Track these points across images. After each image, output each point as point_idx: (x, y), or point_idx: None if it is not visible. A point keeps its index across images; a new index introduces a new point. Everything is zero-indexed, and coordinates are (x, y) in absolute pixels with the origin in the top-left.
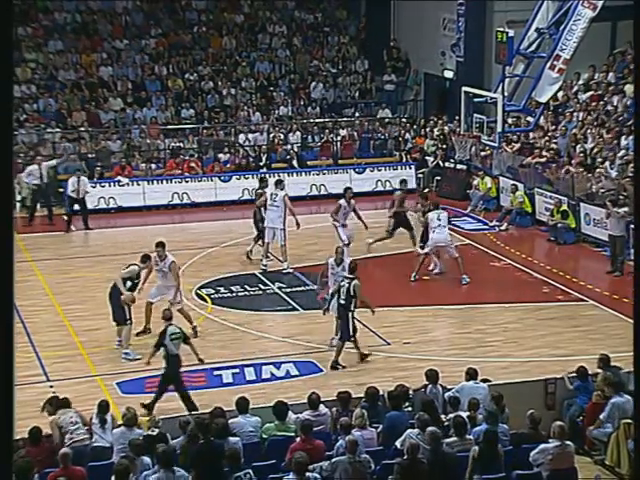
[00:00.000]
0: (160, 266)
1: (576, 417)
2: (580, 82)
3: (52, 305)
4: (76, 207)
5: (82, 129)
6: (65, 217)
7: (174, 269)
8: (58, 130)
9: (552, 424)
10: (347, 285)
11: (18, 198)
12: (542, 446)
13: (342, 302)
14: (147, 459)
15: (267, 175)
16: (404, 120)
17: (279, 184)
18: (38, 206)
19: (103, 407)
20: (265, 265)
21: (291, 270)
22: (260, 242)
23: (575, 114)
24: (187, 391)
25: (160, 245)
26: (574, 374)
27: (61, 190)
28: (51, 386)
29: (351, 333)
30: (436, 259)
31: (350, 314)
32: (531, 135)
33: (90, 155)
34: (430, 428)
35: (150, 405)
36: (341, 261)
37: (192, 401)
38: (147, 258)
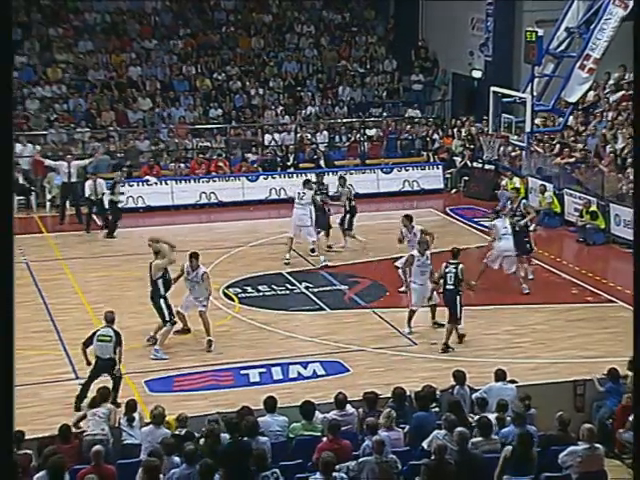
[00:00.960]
0: (192, 276)
1: (606, 419)
2: (611, 82)
3: (82, 303)
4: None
5: (111, 129)
6: (95, 218)
7: (206, 280)
8: (88, 130)
9: (581, 426)
10: (454, 270)
11: (48, 197)
12: (571, 448)
13: (450, 287)
14: (177, 458)
15: (323, 174)
16: (431, 120)
17: (307, 184)
18: (67, 205)
19: (131, 406)
20: (288, 259)
21: (328, 262)
22: (324, 234)
23: (605, 114)
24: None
25: (194, 256)
26: (604, 376)
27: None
28: (80, 384)
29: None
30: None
31: (459, 297)
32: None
33: (119, 155)
34: (458, 428)
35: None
36: (425, 251)
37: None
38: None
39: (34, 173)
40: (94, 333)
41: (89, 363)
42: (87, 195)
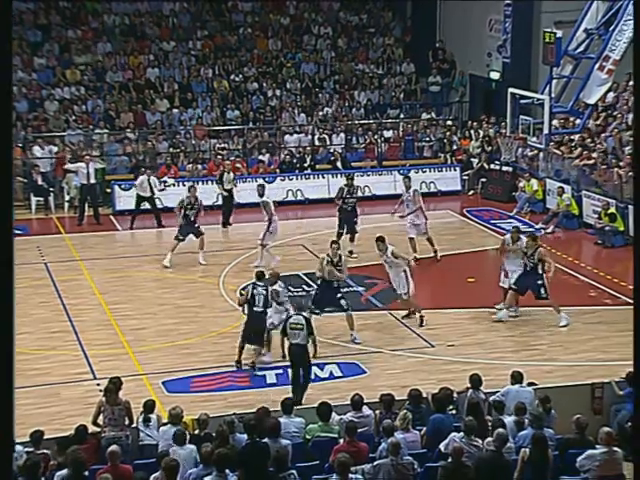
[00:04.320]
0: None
1: (625, 423)
2: (630, 83)
3: (99, 304)
4: (146, 206)
5: (129, 130)
6: (128, 215)
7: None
8: (106, 131)
9: (600, 430)
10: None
11: (67, 198)
12: (589, 452)
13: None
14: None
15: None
16: (449, 122)
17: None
18: (86, 206)
19: (149, 406)
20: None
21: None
22: (350, 238)
23: (625, 115)
24: (306, 383)
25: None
26: (623, 379)
27: (109, 191)
28: (98, 384)
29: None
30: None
31: None
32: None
33: (138, 155)
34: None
35: (298, 397)
36: (518, 239)
37: (302, 395)
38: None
39: (53, 174)
40: (286, 322)
41: (284, 356)
42: (138, 190)
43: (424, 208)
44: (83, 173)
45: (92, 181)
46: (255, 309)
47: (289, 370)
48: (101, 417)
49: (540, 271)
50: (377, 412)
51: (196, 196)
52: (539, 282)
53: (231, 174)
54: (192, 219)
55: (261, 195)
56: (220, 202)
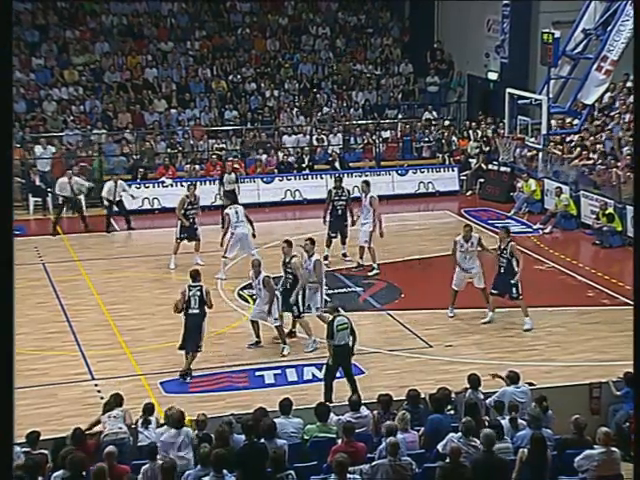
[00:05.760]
0: (254, 283)
1: (623, 423)
2: (628, 84)
3: (97, 304)
4: (116, 209)
5: (127, 130)
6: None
7: (268, 284)
8: (104, 131)
9: (597, 430)
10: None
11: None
12: (587, 452)
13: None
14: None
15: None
16: (447, 122)
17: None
18: (62, 215)
19: (148, 409)
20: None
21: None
22: (340, 240)
23: (622, 116)
24: (353, 378)
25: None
26: (620, 379)
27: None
28: (96, 384)
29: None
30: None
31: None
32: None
33: (135, 156)
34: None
35: (327, 397)
36: (470, 237)
37: (355, 387)
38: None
39: (51, 175)
40: (331, 323)
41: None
42: (105, 195)
43: (378, 217)
44: (65, 189)
45: (69, 195)
46: (191, 311)
47: (326, 374)
48: (99, 427)
49: (515, 269)
50: (375, 412)
51: (195, 194)
52: (512, 282)
53: (232, 174)
54: (192, 220)
55: (226, 206)
56: (218, 203)
